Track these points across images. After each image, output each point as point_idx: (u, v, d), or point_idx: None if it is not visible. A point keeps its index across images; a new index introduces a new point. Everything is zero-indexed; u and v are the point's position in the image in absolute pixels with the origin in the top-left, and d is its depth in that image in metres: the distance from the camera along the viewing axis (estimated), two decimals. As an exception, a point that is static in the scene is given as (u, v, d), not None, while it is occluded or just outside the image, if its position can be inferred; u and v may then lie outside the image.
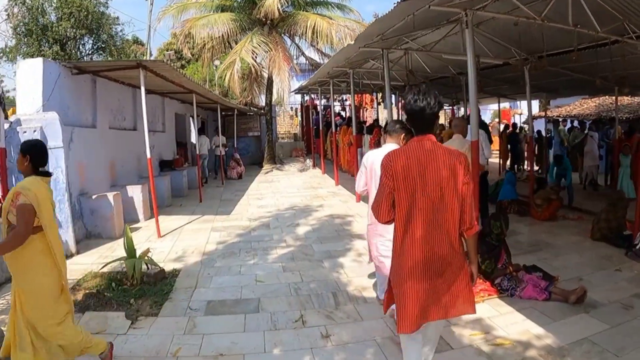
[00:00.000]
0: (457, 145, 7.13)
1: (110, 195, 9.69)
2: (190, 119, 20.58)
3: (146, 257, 6.89)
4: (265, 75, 22.89)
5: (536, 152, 18.69)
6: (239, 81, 20.64)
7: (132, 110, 13.31)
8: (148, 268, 6.85)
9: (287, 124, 35.00)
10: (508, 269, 6.33)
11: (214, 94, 17.44)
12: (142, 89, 9.53)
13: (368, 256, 5.73)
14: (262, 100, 25.10)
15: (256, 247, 8.70)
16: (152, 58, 47.10)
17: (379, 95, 23.42)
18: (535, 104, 34.07)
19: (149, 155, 9.65)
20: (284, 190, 15.93)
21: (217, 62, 25.40)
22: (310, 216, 11.36)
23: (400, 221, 3.34)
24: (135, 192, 11.13)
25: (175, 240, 9.28)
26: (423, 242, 3.26)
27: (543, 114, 23.58)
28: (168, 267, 7.36)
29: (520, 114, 33.28)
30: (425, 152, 3.28)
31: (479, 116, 11.12)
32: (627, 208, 8.95)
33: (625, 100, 20.80)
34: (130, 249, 6.71)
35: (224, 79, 20.43)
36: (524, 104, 33.46)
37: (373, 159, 5.23)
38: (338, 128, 20.48)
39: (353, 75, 13.28)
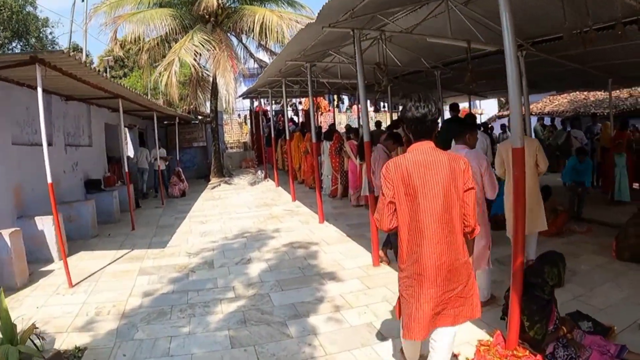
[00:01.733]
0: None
1: (6, 234, 7.25)
2: (126, 130, 18.12)
3: (33, 334, 4.56)
4: (210, 79, 20.50)
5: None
6: (178, 85, 18.03)
7: (48, 121, 10.62)
8: (38, 348, 4.52)
9: (237, 133, 32.47)
10: (561, 331, 4.36)
11: (147, 99, 14.85)
12: (40, 90, 7.03)
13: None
14: (208, 107, 22.63)
15: (194, 300, 6.37)
16: (94, 66, 44.71)
17: (335, 97, 21.43)
18: (494, 103, 32.94)
19: (49, 180, 7.18)
20: (232, 209, 13.54)
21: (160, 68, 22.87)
22: (266, 246, 9.08)
23: (405, 228, 3.39)
24: (47, 225, 8.63)
25: (90, 292, 6.89)
26: (429, 249, 3.30)
27: (505, 113, 22.41)
28: (70, 342, 5.13)
29: (481, 114, 31.72)
30: (426, 158, 3.34)
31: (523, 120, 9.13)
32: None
33: (600, 95, 19.44)
34: (5, 328, 4.37)
35: (161, 83, 17.74)
36: (484, 103, 32.34)
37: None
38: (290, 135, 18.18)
39: (311, 70, 10.97)
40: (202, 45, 17.48)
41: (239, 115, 32.24)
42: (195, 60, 18.18)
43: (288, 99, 26.14)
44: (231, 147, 28.91)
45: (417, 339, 3.49)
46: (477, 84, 9.17)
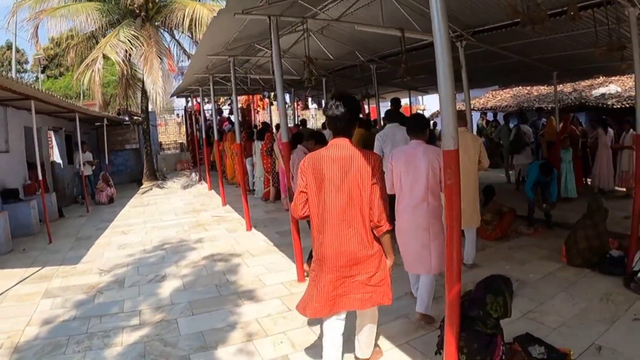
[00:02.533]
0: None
1: None
2: (52, 133, 16.93)
3: None
4: (141, 77, 19.21)
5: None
6: (101, 84, 17.02)
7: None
8: None
9: (175, 133, 31.30)
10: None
11: (64, 100, 13.71)
12: None
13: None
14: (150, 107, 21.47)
15: (95, 329, 5.54)
16: (29, 65, 42.51)
17: (272, 94, 20.71)
18: (436, 98, 32.33)
19: None
20: (159, 217, 12.64)
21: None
22: (184, 259, 8.31)
23: (314, 218, 3.67)
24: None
25: (-13, 319, 5.97)
26: (332, 238, 3.56)
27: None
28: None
29: (424, 110, 31.42)
30: (337, 153, 3.55)
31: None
32: (606, 218, 6.84)
33: (543, 89, 19.34)
34: None
35: (83, 82, 16.53)
36: (426, 99, 31.91)
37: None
38: (224, 135, 17.51)
39: (234, 65, 10.15)
40: (129, 42, 16.40)
41: (177, 114, 31.10)
42: (125, 57, 17.20)
43: (225, 98, 25.47)
44: (168, 149, 27.81)
45: (309, 316, 3.84)
46: (412, 77, 8.63)
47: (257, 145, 13.44)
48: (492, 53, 9.45)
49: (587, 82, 17.79)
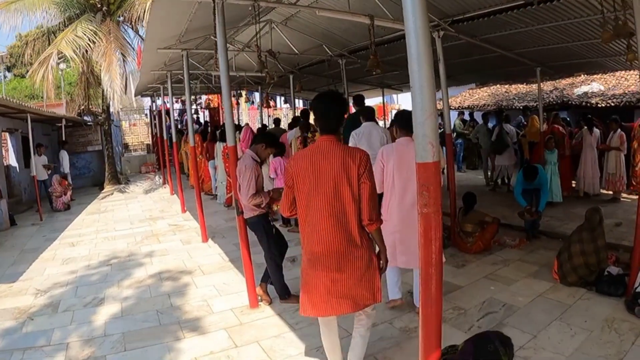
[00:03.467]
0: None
1: None
2: (8, 135, 15.74)
3: None
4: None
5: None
6: (54, 82, 15.94)
7: None
8: None
9: (143, 134, 30.10)
10: None
11: (9, 100, 12.76)
12: None
13: None
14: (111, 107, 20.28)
15: None
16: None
17: (244, 93, 19.82)
18: (406, 97, 31.79)
19: None
20: (113, 226, 11.58)
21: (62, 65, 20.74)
22: (129, 278, 7.35)
23: (301, 217, 3.57)
24: None
25: None
26: (319, 238, 3.44)
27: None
28: None
29: (399, 109, 30.75)
30: (323, 151, 3.46)
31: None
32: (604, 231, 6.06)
33: (522, 87, 18.71)
34: None
35: (35, 80, 15.35)
36: (401, 97, 31.20)
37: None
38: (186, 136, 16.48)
39: (188, 59, 9.13)
40: (87, 37, 15.32)
41: (146, 115, 30.01)
42: (85, 54, 16.20)
43: (192, 97, 24.46)
44: (135, 150, 26.69)
45: (310, 315, 3.63)
46: (383, 72, 7.86)
47: (219, 147, 12.45)
48: (471, 46, 8.68)
49: (568, 81, 17.11)
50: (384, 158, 5.07)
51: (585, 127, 11.46)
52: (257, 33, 7.51)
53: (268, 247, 5.65)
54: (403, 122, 5.11)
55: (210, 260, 7.99)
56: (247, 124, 13.84)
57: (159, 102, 22.38)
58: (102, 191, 17.89)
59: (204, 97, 26.42)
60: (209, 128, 17.28)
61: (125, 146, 26.89)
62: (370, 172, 3.44)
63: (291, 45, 9.77)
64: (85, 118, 20.05)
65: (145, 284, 7.02)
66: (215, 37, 7.70)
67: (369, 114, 7.49)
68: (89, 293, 6.80)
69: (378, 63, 6.88)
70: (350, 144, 6.95)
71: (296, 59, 11.24)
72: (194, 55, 10.47)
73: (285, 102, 22.37)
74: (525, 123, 13.96)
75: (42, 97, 27.25)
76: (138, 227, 11.07)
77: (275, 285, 5.79)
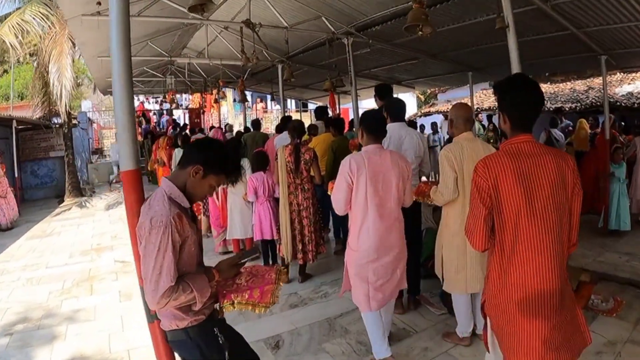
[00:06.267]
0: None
1: None
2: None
3: None
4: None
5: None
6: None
7: None
8: None
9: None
10: None
11: None
12: None
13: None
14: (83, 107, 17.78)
15: None
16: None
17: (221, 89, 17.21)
18: (411, 99, 29.16)
19: None
20: (48, 258, 8.89)
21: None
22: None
23: (503, 247, 2.64)
24: None
25: None
26: (535, 273, 2.56)
27: (428, 110, 20.28)
28: None
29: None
30: (533, 157, 2.61)
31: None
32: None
33: (546, 87, 16.45)
34: None
35: None
36: (402, 97, 28.42)
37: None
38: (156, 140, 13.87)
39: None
40: (36, 22, 12.86)
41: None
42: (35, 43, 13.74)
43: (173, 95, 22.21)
44: (109, 156, 23.94)
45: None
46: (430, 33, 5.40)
47: (178, 155, 9.74)
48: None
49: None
50: (352, 171, 3.97)
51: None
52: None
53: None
54: (372, 126, 4.15)
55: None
56: (216, 127, 11.33)
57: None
58: (60, 205, 15.20)
59: (185, 96, 23.94)
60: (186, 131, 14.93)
61: (100, 152, 24.22)
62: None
63: (278, 15, 7.28)
64: (56, 120, 17.40)
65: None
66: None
67: (396, 111, 5.14)
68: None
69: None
70: None
71: (285, 46, 8.67)
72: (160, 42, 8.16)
73: (273, 100, 20.01)
74: (572, 128, 11.44)
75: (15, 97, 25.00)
76: (76, 263, 8.37)
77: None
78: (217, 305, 2.82)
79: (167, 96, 14.95)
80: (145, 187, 2.98)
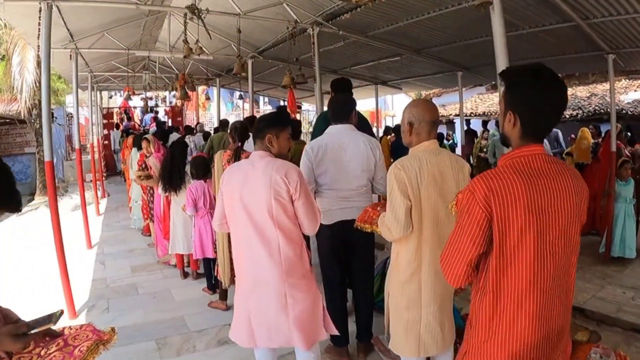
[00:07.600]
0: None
1: None
2: None
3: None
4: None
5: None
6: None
7: None
8: None
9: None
10: None
11: None
12: None
13: None
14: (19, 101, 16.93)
15: None
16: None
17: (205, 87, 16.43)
18: (405, 99, 27.53)
19: None
20: None
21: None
22: None
23: (500, 288, 1.98)
24: None
25: None
26: (535, 317, 1.94)
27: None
28: None
29: (393, 116, 26.91)
30: (550, 175, 1.96)
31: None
32: None
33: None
34: None
35: None
36: (397, 100, 26.89)
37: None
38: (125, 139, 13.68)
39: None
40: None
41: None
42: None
43: (156, 94, 21.55)
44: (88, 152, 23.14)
45: None
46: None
47: (135, 156, 8.86)
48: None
49: (606, 86, 13.98)
50: (223, 183, 3.23)
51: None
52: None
53: None
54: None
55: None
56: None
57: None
58: (30, 204, 14.31)
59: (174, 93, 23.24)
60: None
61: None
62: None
63: (230, 1, 6.39)
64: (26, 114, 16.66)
65: None
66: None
67: (337, 109, 4.09)
68: None
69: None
70: (302, 166, 3.90)
71: (255, 40, 7.75)
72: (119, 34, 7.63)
73: (241, 98, 19.25)
74: (572, 137, 10.53)
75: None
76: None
77: None
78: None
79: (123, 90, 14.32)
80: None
